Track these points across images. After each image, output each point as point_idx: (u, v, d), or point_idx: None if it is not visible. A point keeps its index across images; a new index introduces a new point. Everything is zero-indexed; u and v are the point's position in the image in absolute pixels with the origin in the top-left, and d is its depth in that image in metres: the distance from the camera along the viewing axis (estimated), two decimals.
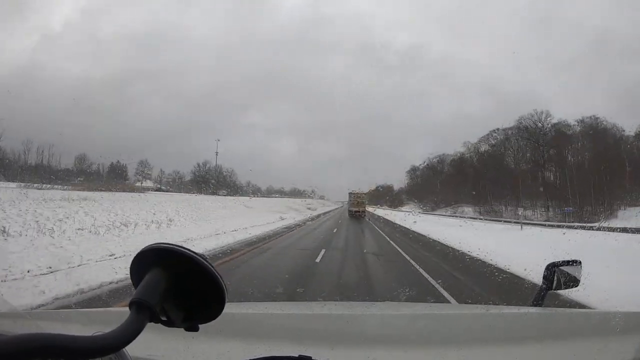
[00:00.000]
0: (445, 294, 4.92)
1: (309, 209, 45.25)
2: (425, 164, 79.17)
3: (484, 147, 60.66)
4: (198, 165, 63.44)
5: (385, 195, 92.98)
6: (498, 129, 56.35)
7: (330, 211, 47.25)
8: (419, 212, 45.11)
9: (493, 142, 64.13)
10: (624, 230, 12.03)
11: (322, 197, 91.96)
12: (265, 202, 33.38)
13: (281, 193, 77.84)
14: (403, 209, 74.53)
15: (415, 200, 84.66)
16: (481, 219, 29.76)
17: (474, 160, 67.61)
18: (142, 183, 42.95)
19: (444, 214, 44.98)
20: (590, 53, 53.53)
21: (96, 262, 6.09)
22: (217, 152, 67.82)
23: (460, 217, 33.12)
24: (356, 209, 34.20)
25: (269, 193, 73.01)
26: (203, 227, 12.71)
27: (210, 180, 67.35)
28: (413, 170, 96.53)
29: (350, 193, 42.72)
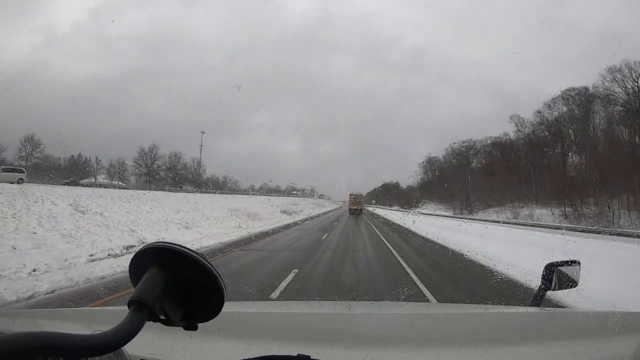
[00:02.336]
0: None
1: (285, 212, 34.04)
2: (449, 151, 68.20)
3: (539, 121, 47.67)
4: (142, 151, 56.81)
5: (393, 194, 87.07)
6: (573, 89, 43.42)
7: (321, 214, 39.01)
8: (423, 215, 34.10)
9: (565, 109, 39.53)
10: None
11: (321, 196, 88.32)
12: (205, 202, 26.03)
13: (276, 192, 76.53)
14: (423, 210, 60.73)
15: (441, 201, 70.71)
16: None
17: (534, 139, 51.96)
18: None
19: (508, 219, 32.20)
20: (594, 53, 56.90)
21: None
22: (201, 146, 63.16)
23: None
24: (355, 207, 45.71)
25: (264, 191, 71.08)
26: None
27: (158, 171, 59.62)
28: (430, 162, 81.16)
29: (350, 194, 52.51)
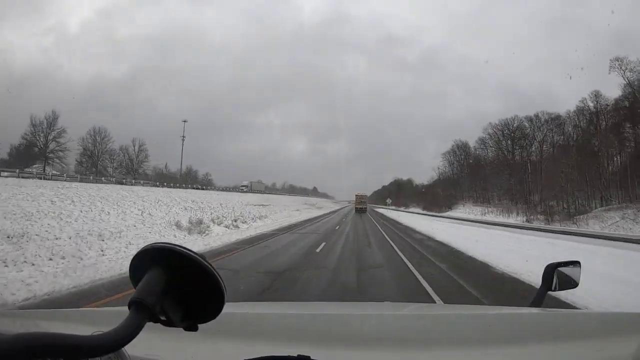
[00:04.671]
0: None
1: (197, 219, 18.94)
2: (487, 131, 53.12)
3: None
4: (36, 123, 42.38)
5: (407, 193, 74.33)
6: None
7: (297, 226, 22.92)
8: None
9: None
10: None
11: (325, 195, 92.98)
12: None
13: (272, 190, 69.45)
14: (461, 214, 46.30)
15: (481, 201, 54.08)
16: None
17: None
18: None
19: None
20: (603, 53, 56.12)
21: None
22: (183, 137, 55.03)
23: None
24: (360, 206, 48.99)
25: (259, 190, 62.26)
26: None
27: (56, 151, 42.76)
28: (458, 150, 62.97)
29: (356, 195, 54.68)
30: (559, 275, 1.48)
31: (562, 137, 48.82)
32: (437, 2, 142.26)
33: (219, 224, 18.25)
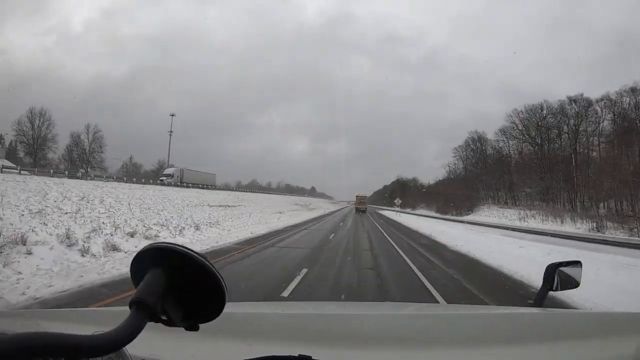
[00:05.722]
0: None
1: None
2: (512, 119, 48.42)
3: None
4: None
5: (412, 192, 70.07)
6: None
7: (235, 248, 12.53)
8: None
9: None
10: None
11: (322, 195, 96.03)
12: None
13: (268, 189, 75.92)
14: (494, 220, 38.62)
15: (510, 203, 48.59)
16: None
17: None
18: None
19: None
20: (602, 56, 37.16)
21: None
22: (171, 132, 53.61)
23: None
24: (360, 207, 53.00)
25: (256, 188, 67.85)
26: None
27: None
28: (472, 143, 59.56)
29: (357, 195, 59.66)
30: (560, 275, 1.50)
31: (612, 122, 40.77)
32: (438, 3, 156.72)
33: (69, 246, 8.55)
